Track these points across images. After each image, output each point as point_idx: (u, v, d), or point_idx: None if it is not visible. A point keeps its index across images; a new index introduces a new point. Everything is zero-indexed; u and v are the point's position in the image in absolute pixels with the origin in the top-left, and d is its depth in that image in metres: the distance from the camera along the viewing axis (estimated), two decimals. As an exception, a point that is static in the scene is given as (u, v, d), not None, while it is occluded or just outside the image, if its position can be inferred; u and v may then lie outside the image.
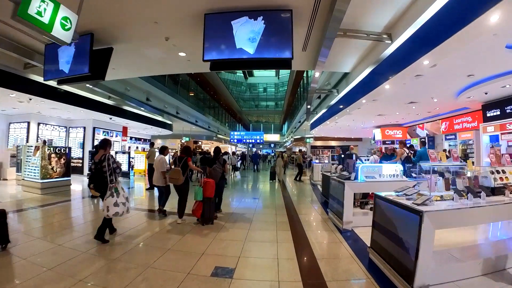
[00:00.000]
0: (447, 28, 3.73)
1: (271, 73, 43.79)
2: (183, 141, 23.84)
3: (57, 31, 3.33)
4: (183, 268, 3.09)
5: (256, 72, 44.08)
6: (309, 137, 21.81)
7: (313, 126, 15.50)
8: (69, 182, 8.73)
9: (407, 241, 2.58)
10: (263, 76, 45.19)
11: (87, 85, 8.86)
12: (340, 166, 6.73)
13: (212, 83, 26.69)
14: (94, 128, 13.86)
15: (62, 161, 8.48)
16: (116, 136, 16.35)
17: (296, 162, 15.14)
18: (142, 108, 13.60)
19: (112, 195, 3.82)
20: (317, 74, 7.45)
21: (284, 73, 36.66)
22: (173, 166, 5.18)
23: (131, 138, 21.37)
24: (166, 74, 12.32)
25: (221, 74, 30.24)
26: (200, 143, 29.52)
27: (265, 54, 4.33)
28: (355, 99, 7.85)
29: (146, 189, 9.08)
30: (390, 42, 5.12)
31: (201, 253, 3.55)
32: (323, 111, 11.99)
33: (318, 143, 24.41)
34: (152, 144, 10.58)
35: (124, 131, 17.03)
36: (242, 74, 42.11)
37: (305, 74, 18.27)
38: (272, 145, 49.07)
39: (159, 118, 17.05)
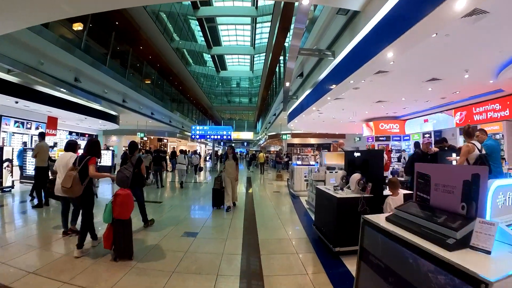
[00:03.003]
0: None
1: (245, 67, 40.35)
2: (144, 137, 19.47)
3: None
4: None
5: (230, 66, 40.51)
6: (286, 133, 18.77)
7: (292, 116, 12.33)
8: None
9: None
10: (237, 70, 41.58)
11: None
12: (357, 176, 3.52)
13: (176, 72, 22.44)
14: (1, 117, 10.05)
15: None
16: (37, 128, 12.06)
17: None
18: (63, 90, 9.35)
19: None
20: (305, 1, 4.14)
21: (259, 67, 33.33)
22: None
23: (70, 133, 16.67)
24: (61, 18, 8.41)
25: (191, 66, 26.09)
26: (166, 140, 25.55)
27: None
28: (371, 55, 4.44)
29: (33, 207, 5.79)
30: None
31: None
32: (307, 92, 8.82)
33: (296, 140, 21.59)
34: (42, 136, 6.35)
35: (51, 122, 12.42)
36: (214, 68, 38.01)
37: (281, 57, 15.18)
38: (246, 144, 45.88)
39: (97, 106, 12.70)
